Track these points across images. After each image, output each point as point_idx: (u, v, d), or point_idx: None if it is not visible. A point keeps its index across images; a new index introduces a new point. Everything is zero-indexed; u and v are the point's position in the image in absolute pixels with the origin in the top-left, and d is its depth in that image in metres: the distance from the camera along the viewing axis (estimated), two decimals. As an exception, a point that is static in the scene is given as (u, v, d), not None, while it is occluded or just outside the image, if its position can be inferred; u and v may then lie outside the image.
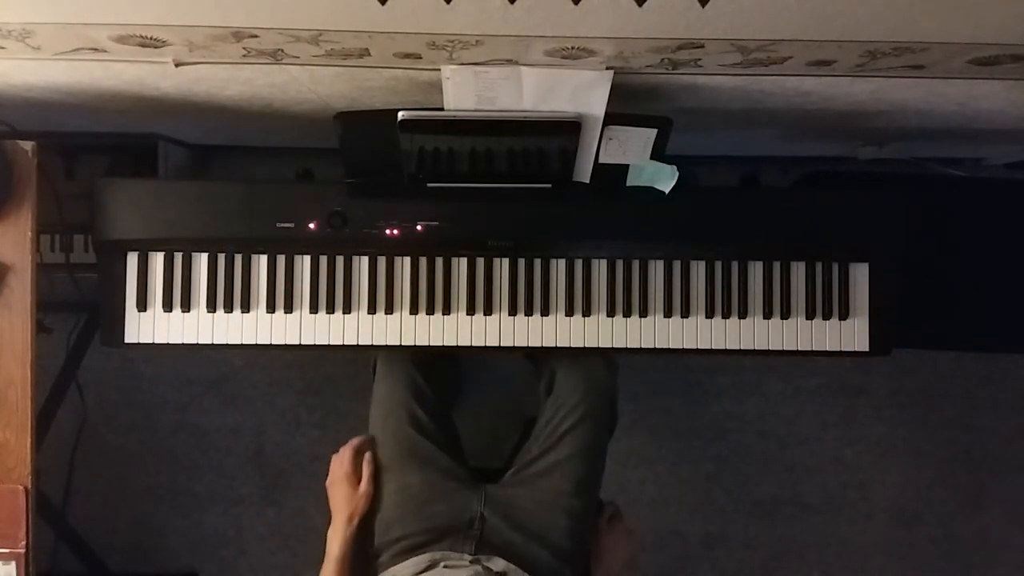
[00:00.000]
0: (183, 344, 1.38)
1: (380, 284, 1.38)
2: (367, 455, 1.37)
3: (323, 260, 1.38)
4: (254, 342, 1.38)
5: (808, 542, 2.20)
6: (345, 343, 1.38)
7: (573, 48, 0.98)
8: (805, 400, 2.19)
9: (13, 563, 1.22)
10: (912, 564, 2.21)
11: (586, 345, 1.39)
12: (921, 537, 2.21)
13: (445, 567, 1.24)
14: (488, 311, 1.39)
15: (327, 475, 1.39)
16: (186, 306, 1.38)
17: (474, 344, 1.39)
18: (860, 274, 1.41)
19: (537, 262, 1.39)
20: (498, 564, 1.25)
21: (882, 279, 1.41)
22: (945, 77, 1.10)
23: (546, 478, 1.34)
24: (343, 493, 1.34)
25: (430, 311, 1.38)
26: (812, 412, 2.19)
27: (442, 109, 1.16)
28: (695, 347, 1.40)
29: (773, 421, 2.18)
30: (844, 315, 1.40)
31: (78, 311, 1.83)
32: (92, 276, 1.44)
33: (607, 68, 1.07)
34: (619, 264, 1.40)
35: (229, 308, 1.38)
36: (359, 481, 1.34)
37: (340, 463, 1.36)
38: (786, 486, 2.19)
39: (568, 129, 1.17)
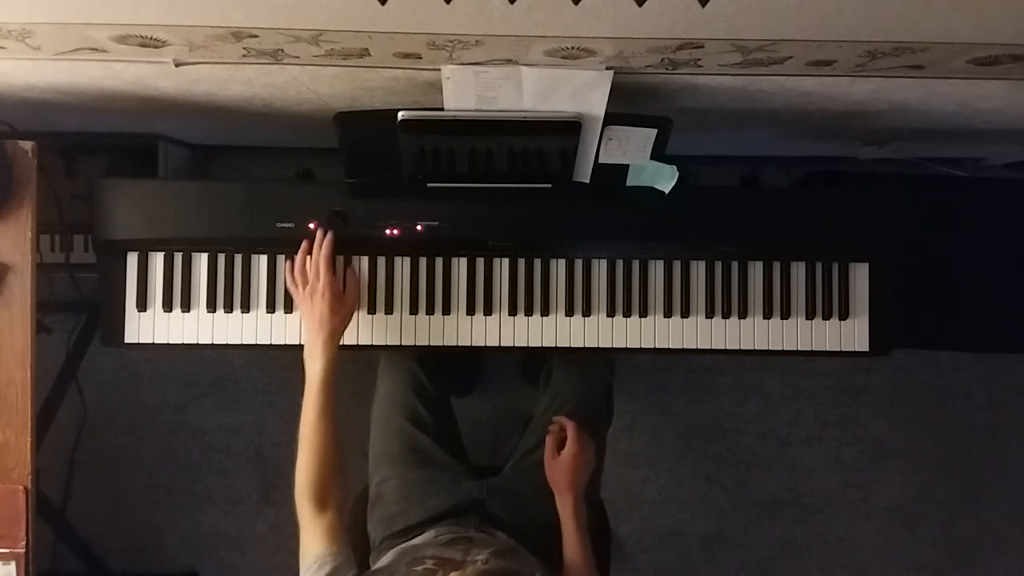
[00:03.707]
0: (183, 344, 1.38)
1: (380, 284, 1.38)
2: (351, 267, 1.26)
3: (323, 260, 1.38)
4: (254, 342, 1.38)
5: (808, 542, 2.20)
6: (345, 343, 1.38)
7: (573, 48, 0.98)
8: (805, 400, 2.19)
9: (13, 563, 1.22)
10: (912, 564, 2.21)
11: (586, 345, 1.39)
12: (921, 537, 2.21)
13: (451, 534, 1.23)
14: (488, 311, 1.39)
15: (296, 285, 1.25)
16: (186, 306, 1.38)
17: (474, 344, 1.39)
18: (860, 274, 1.41)
19: (537, 262, 1.39)
20: (502, 536, 1.25)
21: (882, 279, 1.41)
22: (945, 77, 1.10)
23: (543, 466, 1.34)
24: (328, 304, 1.20)
25: (430, 311, 1.38)
26: (812, 412, 2.19)
27: (442, 109, 1.16)
28: (695, 347, 1.40)
29: (773, 421, 2.18)
30: (844, 315, 1.40)
31: (78, 311, 1.82)
32: (92, 276, 1.45)
33: (607, 68, 1.06)
34: (619, 264, 1.40)
35: (229, 308, 1.38)
36: (344, 290, 1.22)
37: (316, 271, 1.23)
38: (786, 486, 2.19)
39: (568, 129, 1.17)
